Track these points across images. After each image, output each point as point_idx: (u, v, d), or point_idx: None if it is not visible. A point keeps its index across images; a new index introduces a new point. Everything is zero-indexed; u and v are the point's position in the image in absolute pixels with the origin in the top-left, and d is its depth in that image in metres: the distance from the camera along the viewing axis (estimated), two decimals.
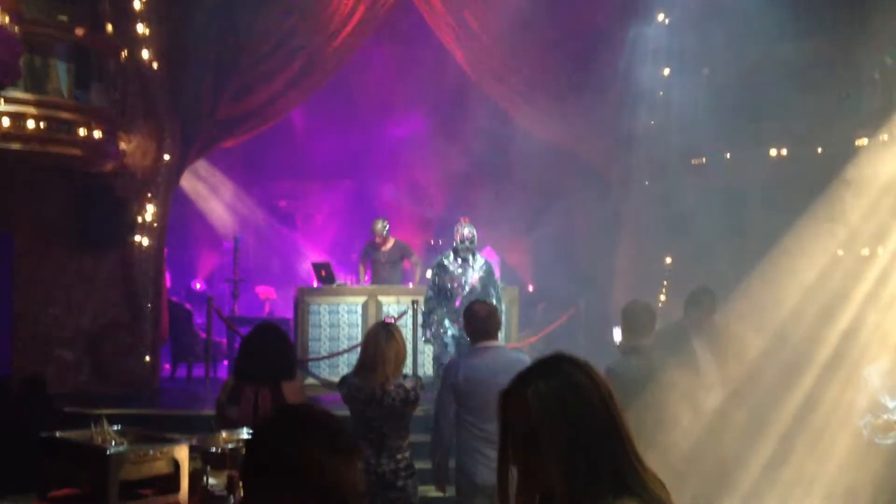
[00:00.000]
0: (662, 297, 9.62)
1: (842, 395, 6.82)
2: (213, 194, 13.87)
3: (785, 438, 6.84)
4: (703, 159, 9.59)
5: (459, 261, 7.90)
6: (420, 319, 8.48)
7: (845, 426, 6.53)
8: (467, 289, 7.83)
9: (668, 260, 10.13)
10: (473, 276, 7.86)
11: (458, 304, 7.75)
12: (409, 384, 4.88)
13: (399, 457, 4.89)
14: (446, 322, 7.95)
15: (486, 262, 8.03)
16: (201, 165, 12.61)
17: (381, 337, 4.89)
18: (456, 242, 7.95)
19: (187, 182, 12.42)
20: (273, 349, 5.01)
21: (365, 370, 4.89)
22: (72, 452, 3.98)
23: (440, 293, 7.96)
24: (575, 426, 1.92)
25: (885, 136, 7.75)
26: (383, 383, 4.80)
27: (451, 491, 5.78)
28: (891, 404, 5.00)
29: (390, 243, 10.59)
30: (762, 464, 6.58)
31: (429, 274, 8.77)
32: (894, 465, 5.53)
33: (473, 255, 7.92)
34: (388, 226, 10.60)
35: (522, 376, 2.03)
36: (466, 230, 7.92)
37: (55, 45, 8.33)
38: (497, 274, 11.95)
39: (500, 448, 2.01)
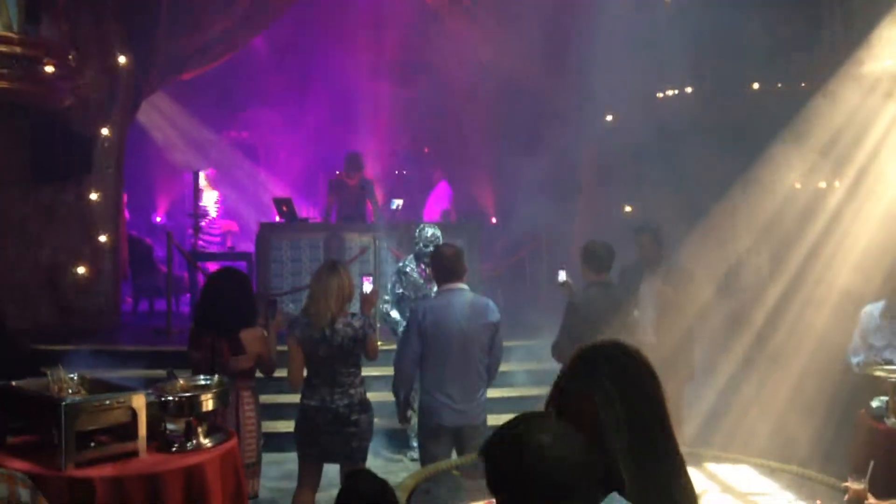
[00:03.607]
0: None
1: (797, 321, 7.06)
2: (171, 126, 13.65)
3: (745, 363, 7.09)
4: (665, 93, 9.55)
5: (422, 267, 7.01)
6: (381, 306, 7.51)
7: (801, 350, 6.78)
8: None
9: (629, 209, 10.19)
10: None
11: None
12: (357, 322, 4.98)
13: (352, 392, 4.99)
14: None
15: None
16: (159, 97, 12.40)
17: (323, 272, 5.02)
18: (418, 246, 7.03)
19: (145, 115, 12.23)
20: (232, 297, 5.04)
21: (310, 305, 5.00)
22: (28, 403, 3.98)
23: (400, 301, 7.15)
24: (637, 423, 1.99)
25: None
26: (332, 322, 4.89)
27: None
28: (878, 343, 5.17)
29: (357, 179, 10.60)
30: (720, 388, 6.85)
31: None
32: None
33: None
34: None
35: (585, 371, 2.05)
36: (430, 232, 7.00)
37: None
38: (447, 204, 11.86)
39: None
